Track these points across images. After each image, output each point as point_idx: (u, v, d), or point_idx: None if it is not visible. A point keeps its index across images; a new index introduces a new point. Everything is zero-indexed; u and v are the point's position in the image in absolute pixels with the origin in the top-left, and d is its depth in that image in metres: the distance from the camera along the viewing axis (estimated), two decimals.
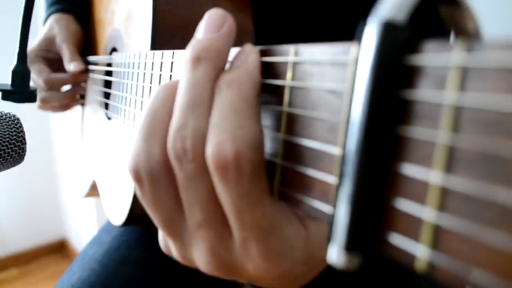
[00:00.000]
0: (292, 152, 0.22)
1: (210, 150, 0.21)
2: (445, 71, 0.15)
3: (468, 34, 0.19)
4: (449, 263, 0.14)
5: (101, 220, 1.79)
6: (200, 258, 0.26)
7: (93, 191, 0.78)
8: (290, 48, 0.23)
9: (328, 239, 0.18)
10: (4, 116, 0.41)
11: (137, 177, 0.26)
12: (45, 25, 0.78)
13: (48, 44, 0.75)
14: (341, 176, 0.18)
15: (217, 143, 0.21)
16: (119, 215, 0.57)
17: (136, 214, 0.55)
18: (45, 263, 2.21)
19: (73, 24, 0.78)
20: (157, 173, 0.25)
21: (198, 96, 0.23)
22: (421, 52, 0.16)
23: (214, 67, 0.24)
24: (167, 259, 0.70)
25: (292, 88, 0.22)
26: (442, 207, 0.15)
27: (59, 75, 0.75)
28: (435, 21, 0.18)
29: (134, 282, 0.66)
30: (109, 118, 0.65)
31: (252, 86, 0.23)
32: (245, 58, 0.24)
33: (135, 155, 0.26)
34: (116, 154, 0.60)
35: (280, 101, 0.23)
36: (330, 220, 0.18)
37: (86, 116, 0.82)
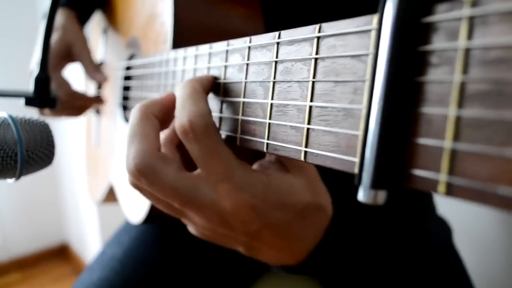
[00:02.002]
0: (318, 117, 0.25)
1: (175, 124, 0.33)
2: (456, 24, 0.18)
3: None
4: (467, 183, 0.17)
5: (103, 224, 1.79)
6: (201, 223, 0.36)
7: (110, 196, 0.81)
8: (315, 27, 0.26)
9: (358, 182, 0.21)
10: (36, 122, 0.44)
11: (136, 174, 0.35)
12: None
13: (66, 49, 0.77)
14: (367, 126, 0.21)
15: (179, 118, 0.32)
16: (138, 213, 0.59)
17: (155, 211, 0.58)
18: (47, 267, 2.23)
19: (80, 27, 0.80)
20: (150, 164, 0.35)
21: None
22: (435, 12, 0.19)
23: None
24: (184, 259, 0.72)
25: (316, 61, 0.25)
26: (458, 137, 0.17)
27: (81, 93, 0.79)
28: None
29: (153, 281, 0.68)
30: (127, 120, 0.68)
31: (200, 83, 0.34)
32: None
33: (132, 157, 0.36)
34: None
35: (307, 75, 0.26)
36: (357, 167, 0.21)
37: (99, 121, 0.85)
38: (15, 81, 1.27)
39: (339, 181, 0.45)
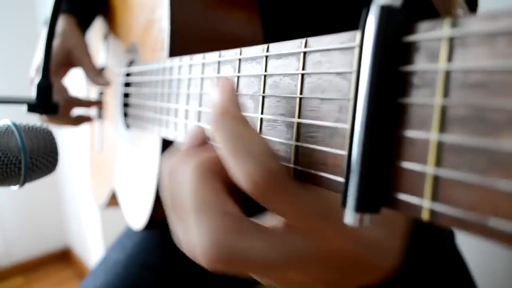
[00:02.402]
0: (306, 134, 0.25)
1: (240, 179, 0.24)
2: (436, 44, 0.17)
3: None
4: (450, 211, 0.16)
5: (105, 227, 1.80)
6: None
7: (113, 200, 0.81)
8: (301, 41, 0.25)
9: (343, 204, 0.21)
10: (39, 129, 0.44)
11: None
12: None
13: (67, 56, 0.77)
14: (350, 147, 0.20)
15: (243, 169, 0.23)
16: (139, 219, 0.59)
17: (157, 217, 0.58)
18: (50, 271, 2.25)
19: (81, 33, 0.79)
20: None
21: None
22: (416, 32, 0.18)
23: None
24: (188, 263, 0.72)
25: (303, 76, 0.25)
26: (440, 163, 0.17)
27: (79, 98, 0.79)
28: (428, 8, 0.21)
29: (157, 286, 0.68)
30: (127, 126, 0.68)
31: (237, 107, 0.26)
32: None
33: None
34: (136, 161, 0.62)
35: (293, 90, 0.26)
36: (342, 188, 0.21)
37: (102, 126, 0.85)
38: (15, 88, 1.28)
39: None
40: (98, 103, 0.83)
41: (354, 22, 0.25)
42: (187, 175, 0.27)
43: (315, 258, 0.26)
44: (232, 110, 0.26)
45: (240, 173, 0.23)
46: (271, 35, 0.56)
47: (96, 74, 0.77)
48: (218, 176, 0.27)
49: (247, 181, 0.23)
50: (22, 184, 0.43)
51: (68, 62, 0.77)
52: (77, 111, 0.83)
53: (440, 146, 0.17)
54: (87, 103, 0.83)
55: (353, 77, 0.21)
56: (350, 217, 0.20)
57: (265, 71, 0.29)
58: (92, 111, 0.87)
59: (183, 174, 0.27)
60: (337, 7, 0.59)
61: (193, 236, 0.25)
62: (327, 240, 0.26)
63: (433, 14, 0.22)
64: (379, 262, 0.28)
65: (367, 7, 0.19)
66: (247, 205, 0.27)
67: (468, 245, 0.71)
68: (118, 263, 0.71)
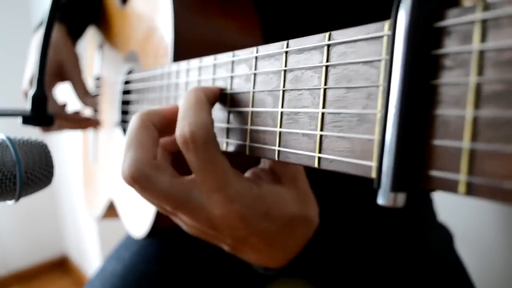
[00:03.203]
0: (331, 123, 0.26)
1: (176, 133, 0.33)
2: (469, 27, 0.18)
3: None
4: (487, 182, 0.17)
5: (103, 235, 1.78)
6: (190, 222, 0.37)
7: (110, 211, 0.80)
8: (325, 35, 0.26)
9: (378, 185, 0.21)
10: (34, 143, 0.44)
11: (134, 181, 0.36)
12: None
13: (58, 68, 0.77)
14: (384, 130, 0.21)
15: (180, 127, 0.33)
16: (141, 227, 0.59)
17: (159, 225, 0.57)
18: (47, 280, 2.21)
19: (72, 43, 0.79)
20: (146, 172, 0.36)
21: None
22: (447, 17, 0.19)
23: None
24: (185, 273, 0.72)
25: (327, 68, 0.26)
26: (476, 137, 0.18)
27: (69, 115, 0.79)
28: None
29: None
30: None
31: (204, 93, 0.35)
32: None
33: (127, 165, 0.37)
34: None
35: (318, 82, 0.27)
36: (375, 171, 0.22)
37: (96, 136, 0.85)
38: (8, 99, 1.26)
39: (342, 190, 0.46)
40: (90, 123, 0.83)
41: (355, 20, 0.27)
42: (132, 121, 0.37)
43: (202, 212, 0.35)
44: (199, 92, 0.35)
45: (178, 128, 0.33)
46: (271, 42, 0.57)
47: (85, 94, 0.78)
48: (153, 127, 0.37)
49: (179, 132, 0.32)
50: (17, 199, 0.42)
51: (58, 75, 0.77)
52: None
53: (475, 121, 0.18)
54: (73, 123, 0.82)
55: (382, 65, 0.22)
56: (384, 197, 0.21)
57: (285, 66, 0.30)
58: (87, 112, 0.86)
59: (131, 120, 0.37)
60: (336, 17, 0.61)
61: (124, 160, 0.35)
62: (216, 208, 0.34)
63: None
64: (268, 248, 0.37)
65: (371, 15, 0.21)
66: None
67: (467, 249, 0.72)
68: (115, 274, 0.70)
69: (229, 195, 0.33)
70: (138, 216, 0.61)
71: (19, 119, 0.55)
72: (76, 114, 0.83)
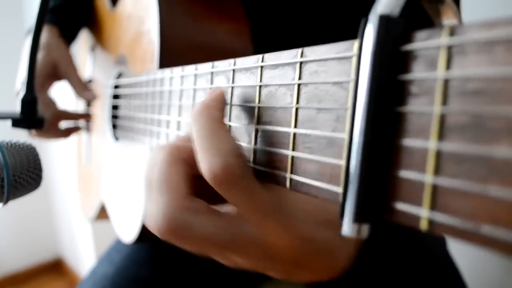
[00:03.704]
0: (302, 144, 0.25)
1: (203, 170, 0.27)
2: (435, 53, 0.17)
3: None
4: (448, 220, 0.16)
5: (97, 237, 1.78)
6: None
7: (102, 213, 0.80)
8: (298, 51, 0.25)
9: (341, 214, 0.20)
10: (22, 146, 0.44)
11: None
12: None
13: (52, 69, 0.76)
14: (348, 157, 0.20)
15: (206, 162, 0.27)
16: (130, 232, 0.59)
17: (148, 230, 0.57)
18: (42, 282, 2.21)
19: (65, 44, 0.78)
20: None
21: None
22: (414, 40, 0.18)
23: None
24: (177, 276, 0.71)
25: (299, 86, 0.25)
26: (439, 171, 0.17)
27: (67, 111, 0.79)
28: (422, 16, 0.21)
29: None
30: (116, 139, 0.67)
31: (218, 109, 0.29)
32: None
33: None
34: (126, 173, 0.62)
35: (290, 100, 0.26)
36: (340, 198, 0.21)
37: (89, 139, 0.84)
38: (1, 102, 1.26)
39: None
40: (87, 116, 0.83)
41: (343, 33, 0.26)
42: (159, 157, 0.31)
43: (256, 247, 0.29)
44: (211, 109, 0.29)
45: (204, 163, 0.27)
46: (260, 47, 0.56)
47: (83, 88, 0.77)
48: (185, 162, 0.31)
49: (208, 171, 0.27)
50: (5, 202, 0.42)
51: (53, 75, 0.76)
52: (65, 124, 0.82)
53: (438, 154, 0.17)
54: (75, 116, 0.82)
55: (351, 86, 0.21)
56: (348, 227, 0.20)
57: (260, 81, 0.29)
58: (80, 122, 0.86)
59: (157, 157, 0.31)
60: (326, 19, 0.60)
61: (153, 208, 0.29)
62: (272, 235, 0.29)
63: (427, 23, 0.22)
64: (327, 261, 0.32)
65: (365, 16, 0.20)
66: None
67: (461, 252, 0.71)
68: (106, 277, 0.70)
69: (283, 217, 0.28)
70: (127, 221, 0.60)
71: (9, 122, 0.55)
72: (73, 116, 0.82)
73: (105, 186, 0.73)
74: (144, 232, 0.57)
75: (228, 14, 0.55)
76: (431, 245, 0.61)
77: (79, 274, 2.12)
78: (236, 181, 0.26)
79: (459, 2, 0.58)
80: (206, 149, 0.27)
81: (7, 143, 0.42)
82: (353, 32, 0.24)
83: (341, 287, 0.43)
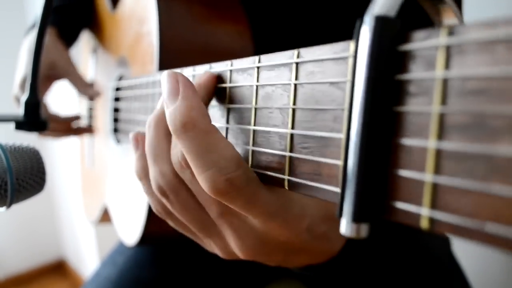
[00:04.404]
0: (299, 144, 0.24)
1: (205, 187, 0.26)
2: (433, 53, 0.17)
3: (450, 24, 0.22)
4: (449, 218, 0.16)
5: (100, 238, 1.78)
6: (234, 243, 0.31)
7: (105, 216, 0.80)
8: (294, 52, 0.25)
9: (339, 214, 0.20)
10: (26, 149, 0.43)
11: (162, 193, 0.32)
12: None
13: (50, 69, 0.75)
14: (346, 157, 0.20)
15: (207, 180, 0.26)
16: (132, 235, 0.58)
17: (150, 233, 0.57)
18: (45, 283, 2.22)
19: (63, 45, 0.78)
20: (174, 184, 0.31)
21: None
22: (411, 40, 0.18)
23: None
24: (180, 278, 0.70)
25: (296, 87, 0.25)
26: (439, 170, 0.17)
27: (58, 115, 0.79)
28: (421, 17, 0.21)
29: None
30: (118, 141, 0.67)
31: (203, 115, 0.27)
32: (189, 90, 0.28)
33: (153, 177, 0.32)
34: (128, 176, 0.62)
35: (287, 101, 0.26)
36: (338, 198, 0.20)
37: (92, 141, 0.84)
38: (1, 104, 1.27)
39: None
40: (76, 118, 0.82)
41: (343, 33, 0.25)
42: (149, 132, 0.33)
43: (256, 238, 0.30)
44: (194, 119, 0.26)
45: (203, 180, 0.26)
46: (261, 47, 0.56)
47: (85, 85, 0.77)
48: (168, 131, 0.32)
49: (209, 188, 0.26)
50: (9, 206, 0.41)
51: (52, 76, 0.76)
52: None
53: (438, 153, 0.17)
54: (66, 121, 0.81)
55: (347, 87, 0.21)
56: (346, 227, 0.20)
57: (257, 81, 0.29)
58: (80, 122, 0.86)
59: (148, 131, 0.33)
60: (326, 20, 0.60)
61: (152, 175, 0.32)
62: (275, 230, 0.29)
63: (427, 22, 0.22)
64: (324, 247, 0.33)
65: (361, 17, 0.19)
66: None
67: (465, 253, 0.71)
68: (109, 279, 0.70)
69: (287, 216, 0.29)
70: (130, 223, 0.60)
71: (12, 125, 0.55)
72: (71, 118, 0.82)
73: (108, 189, 0.73)
74: (146, 235, 0.57)
75: (228, 15, 0.55)
76: (435, 246, 0.61)
77: (81, 275, 2.12)
78: (239, 192, 0.26)
79: (460, 2, 0.57)
80: (202, 167, 0.26)
81: (10, 146, 0.42)
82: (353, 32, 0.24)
83: (346, 286, 0.43)
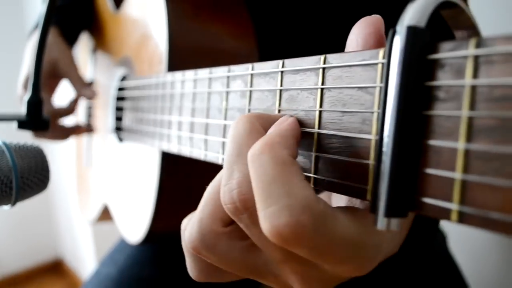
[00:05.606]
0: (327, 145, 0.26)
1: (264, 227, 0.22)
2: (462, 62, 0.19)
3: (468, 30, 0.24)
4: (478, 212, 0.18)
5: (97, 238, 1.78)
6: (298, 285, 0.27)
7: (104, 215, 0.80)
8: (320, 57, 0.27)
9: (372, 210, 0.22)
10: (30, 147, 0.44)
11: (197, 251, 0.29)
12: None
13: (52, 68, 0.76)
14: (379, 156, 0.22)
15: (268, 218, 0.21)
16: (137, 233, 0.59)
17: (155, 230, 0.58)
18: (42, 283, 2.21)
19: (65, 44, 0.79)
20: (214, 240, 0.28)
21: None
22: (440, 50, 0.20)
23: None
24: (180, 277, 0.70)
25: (323, 90, 0.27)
26: (468, 169, 0.19)
27: (62, 107, 0.79)
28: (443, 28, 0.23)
29: None
30: (120, 140, 0.68)
31: (284, 146, 0.24)
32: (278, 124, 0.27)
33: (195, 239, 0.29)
34: (132, 174, 0.62)
35: (313, 104, 0.27)
36: (369, 195, 0.22)
37: (90, 141, 0.85)
38: (3, 103, 1.26)
39: None
40: (75, 102, 0.82)
41: (346, 34, 0.27)
42: (242, 120, 0.27)
43: (328, 281, 0.27)
44: (276, 146, 0.23)
45: (265, 217, 0.22)
46: (265, 50, 0.57)
47: (83, 86, 0.77)
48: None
49: (270, 227, 0.21)
50: (13, 204, 0.42)
51: (54, 74, 0.77)
52: (64, 122, 0.82)
53: (467, 153, 0.19)
54: (70, 109, 0.81)
55: (377, 91, 0.23)
56: (380, 221, 0.21)
57: (281, 85, 0.30)
58: (79, 122, 0.86)
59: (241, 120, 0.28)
60: (330, 24, 0.62)
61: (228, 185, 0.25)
62: (347, 274, 0.26)
63: (447, 33, 0.24)
64: (389, 250, 0.31)
65: (393, 27, 0.21)
66: None
67: (460, 249, 0.74)
68: (109, 278, 0.70)
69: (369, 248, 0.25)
70: (134, 221, 0.61)
71: (15, 124, 0.55)
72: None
73: (109, 187, 0.73)
74: (152, 232, 0.58)
75: (234, 18, 0.57)
76: (431, 243, 0.63)
77: (79, 275, 2.12)
78: (308, 239, 0.21)
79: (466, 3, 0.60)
80: (268, 200, 0.22)
81: (15, 145, 0.43)
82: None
83: (343, 285, 0.45)
